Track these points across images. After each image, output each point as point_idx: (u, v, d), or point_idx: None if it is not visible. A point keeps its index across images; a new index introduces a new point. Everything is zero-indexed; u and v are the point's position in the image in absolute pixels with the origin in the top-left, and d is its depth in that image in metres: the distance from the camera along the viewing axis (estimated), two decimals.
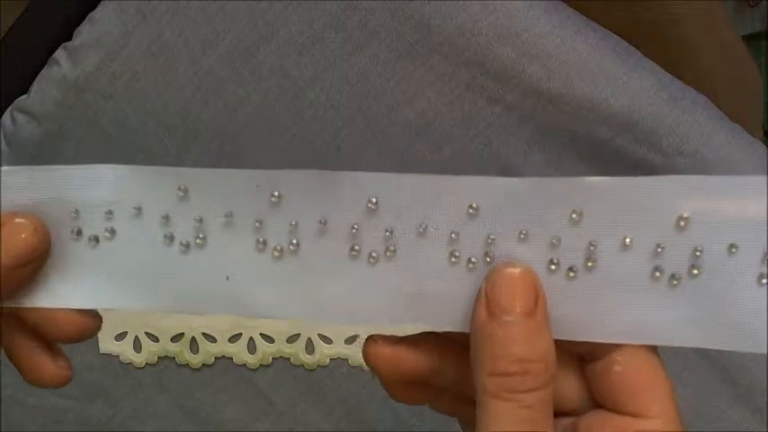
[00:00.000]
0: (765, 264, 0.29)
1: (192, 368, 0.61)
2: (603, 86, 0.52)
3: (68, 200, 0.32)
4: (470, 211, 0.30)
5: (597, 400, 0.32)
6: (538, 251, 0.30)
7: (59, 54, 0.57)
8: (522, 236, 0.30)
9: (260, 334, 0.60)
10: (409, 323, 0.32)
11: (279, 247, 0.32)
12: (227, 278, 0.32)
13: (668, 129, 0.52)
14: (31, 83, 0.58)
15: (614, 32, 0.54)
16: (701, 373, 0.54)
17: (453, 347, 0.33)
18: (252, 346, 0.60)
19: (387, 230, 0.31)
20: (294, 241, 0.31)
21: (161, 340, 0.60)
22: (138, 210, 0.32)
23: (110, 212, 0.32)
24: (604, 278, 0.30)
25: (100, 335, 0.56)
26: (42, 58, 0.57)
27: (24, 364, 0.34)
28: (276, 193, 0.31)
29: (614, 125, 0.52)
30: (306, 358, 0.59)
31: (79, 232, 0.33)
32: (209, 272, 0.32)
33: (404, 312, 0.31)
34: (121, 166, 0.32)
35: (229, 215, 0.32)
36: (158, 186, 0.32)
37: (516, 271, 0.30)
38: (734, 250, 0.29)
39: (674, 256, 0.29)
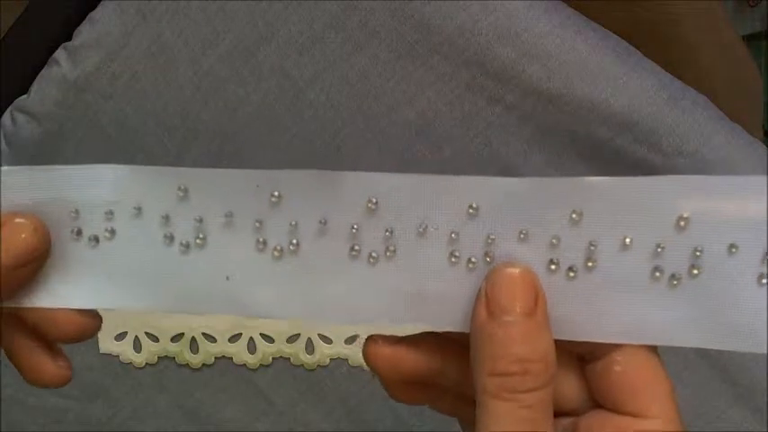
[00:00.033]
0: (765, 264, 0.29)
1: (191, 368, 0.61)
2: (603, 86, 0.52)
3: (68, 200, 0.32)
4: (470, 211, 0.30)
5: (597, 400, 0.32)
6: (538, 251, 0.30)
7: (59, 54, 0.57)
8: (522, 236, 0.30)
9: (260, 334, 0.60)
10: (409, 323, 0.32)
11: (279, 247, 0.32)
12: (227, 278, 0.32)
13: (668, 129, 0.52)
14: (31, 83, 0.58)
15: (614, 32, 0.54)
16: (700, 372, 0.54)
17: (453, 347, 0.33)
18: (252, 346, 0.60)
19: (387, 230, 0.31)
20: (294, 241, 0.31)
21: (161, 340, 0.60)
22: (138, 210, 0.32)
23: (110, 212, 0.32)
24: (604, 278, 0.30)
25: (100, 335, 0.56)
26: (42, 58, 0.57)
27: (24, 364, 0.34)
28: (276, 193, 0.31)
29: (614, 125, 0.52)
30: (306, 358, 0.59)
31: (79, 232, 0.33)
32: (209, 272, 0.32)
33: (404, 312, 0.31)
34: (121, 166, 0.32)
35: (229, 215, 0.32)
36: (158, 186, 0.32)
37: (516, 271, 0.30)
38: (734, 250, 0.29)
39: (674, 256, 0.29)
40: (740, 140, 0.52)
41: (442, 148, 0.56)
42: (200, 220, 0.32)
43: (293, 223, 0.31)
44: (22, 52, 0.58)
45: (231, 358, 0.60)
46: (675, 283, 0.29)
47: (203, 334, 0.60)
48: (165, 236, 0.32)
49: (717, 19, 0.68)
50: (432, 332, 0.33)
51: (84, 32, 0.56)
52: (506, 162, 0.55)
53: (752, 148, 0.53)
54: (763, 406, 0.54)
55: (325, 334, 0.59)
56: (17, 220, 0.32)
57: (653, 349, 0.31)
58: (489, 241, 0.30)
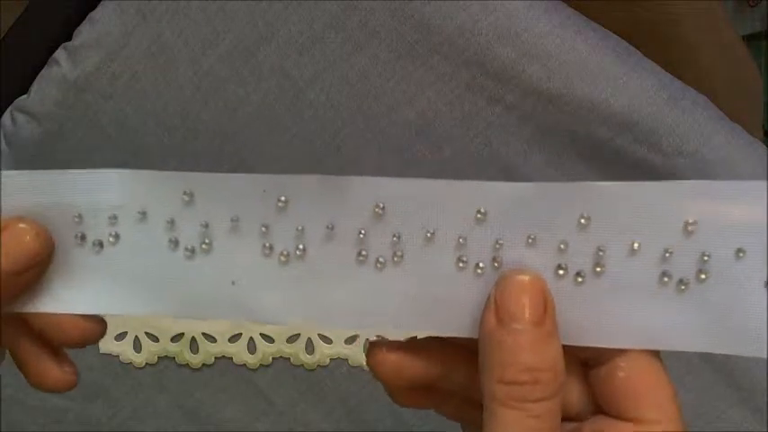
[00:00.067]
0: None
1: (191, 368, 0.60)
2: (603, 86, 0.52)
3: (72, 205, 0.32)
4: (478, 216, 0.30)
5: (600, 406, 0.32)
6: (546, 256, 0.30)
7: (59, 54, 0.57)
8: (530, 241, 0.30)
9: (260, 334, 0.60)
10: (417, 328, 0.32)
11: (285, 252, 0.31)
12: (233, 283, 0.32)
13: (668, 129, 0.52)
14: (31, 83, 0.57)
15: (614, 32, 0.54)
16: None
17: (460, 351, 0.33)
18: (252, 346, 0.60)
19: (394, 235, 0.31)
20: (301, 246, 0.31)
21: (161, 340, 0.60)
22: (143, 214, 0.32)
23: (114, 217, 0.32)
24: (612, 283, 0.30)
25: None
26: (42, 58, 0.57)
27: (30, 368, 0.34)
28: (283, 198, 0.31)
29: (614, 125, 0.52)
30: (306, 358, 0.59)
31: (83, 237, 0.32)
32: (214, 277, 0.32)
33: (411, 318, 0.31)
34: (126, 171, 0.32)
35: (235, 220, 0.32)
36: (164, 191, 0.32)
37: (526, 278, 0.29)
38: (741, 255, 0.29)
39: (681, 261, 0.29)
40: (740, 140, 0.53)
41: (442, 148, 0.56)
42: (206, 225, 0.32)
43: (300, 228, 0.31)
44: (22, 52, 0.58)
45: (231, 358, 0.60)
46: (683, 288, 0.29)
47: (203, 334, 0.60)
48: (171, 240, 0.32)
49: (717, 19, 0.68)
50: (437, 337, 0.33)
51: (84, 32, 0.56)
52: (506, 162, 0.55)
53: (752, 148, 0.53)
54: (763, 406, 0.54)
55: (325, 334, 0.59)
56: (18, 224, 0.31)
57: (656, 354, 0.31)
58: (497, 246, 0.30)
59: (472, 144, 0.55)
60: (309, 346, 0.60)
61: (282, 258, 0.32)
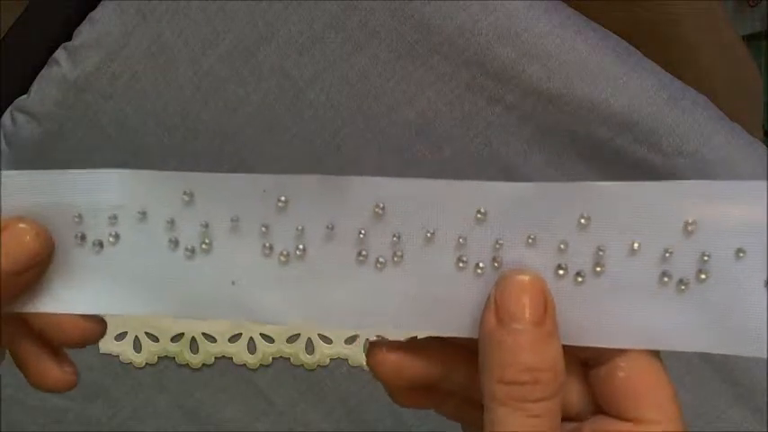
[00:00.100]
0: None
1: (192, 368, 0.60)
2: (603, 86, 0.52)
3: (72, 205, 0.32)
4: (478, 216, 0.30)
5: (600, 406, 0.32)
6: (546, 256, 0.30)
7: (59, 54, 0.57)
8: (530, 241, 0.30)
9: (260, 334, 0.60)
10: (417, 328, 0.32)
11: (285, 252, 0.31)
12: (233, 283, 0.32)
13: (668, 129, 0.52)
14: (31, 83, 0.57)
15: (614, 32, 0.54)
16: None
17: (459, 351, 0.33)
18: (252, 346, 0.60)
19: (394, 235, 0.31)
20: (301, 246, 0.31)
21: (161, 340, 0.60)
22: (143, 214, 0.32)
23: (114, 217, 0.32)
24: (612, 283, 0.30)
25: None
26: (42, 58, 0.57)
27: (31, 368, 0.34)
28: (283, 198, 0.31)
29: (614, 125, 0.52)
30: (306, 358, 0.59)
31: (83, 237, 0.32)
32: (214, 277, 0.32)
33: (411, 318, 0.31)
34: (126, 171, 0.32)
35: (235, 220, 0.32)
36: (164, 191, 0.32)
37: (526, 278, 0.29)
38: (741, 255, 0.29)
39: (681, 261, 0.29)
40: (740, 140, 0.52)
41: (442, 148, 0.56)
42: (206, 225, 0.32)
43: (300, 228, 0.31)
44: (22, 52, 0.58)
45: (231, 358, 0.60)
46: (683, 288, 0.29)
47: (203, 334, 0.60)
48: (171, 240, 0.32)
49: (717, 19, 0.68)
50: (437, 337, 0.33)
51: (84, 32, 0.56)
52: (506, 162, 0.55)
53: (752, 148, 0.53)
54: (763, 406, 0.54)
55: (325, 334, 0.59)
56: (18, 224, 0.31)
57: (656, 354, 0.31)
58: (497, 246, 0.30)
59: (472, 144, 0.55)
60: (309, 346, 0.60)
61: (282, 258, 0.32)
